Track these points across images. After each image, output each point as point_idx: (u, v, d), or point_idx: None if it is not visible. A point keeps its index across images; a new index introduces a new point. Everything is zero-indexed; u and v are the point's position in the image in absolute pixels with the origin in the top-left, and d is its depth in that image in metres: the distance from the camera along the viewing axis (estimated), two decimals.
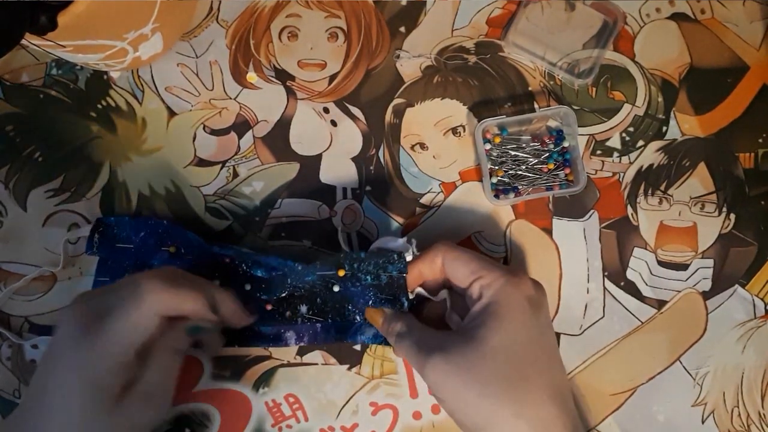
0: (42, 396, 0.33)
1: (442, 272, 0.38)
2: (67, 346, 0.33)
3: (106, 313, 0.33)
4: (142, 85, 0.45)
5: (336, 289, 0.40)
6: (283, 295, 0.40)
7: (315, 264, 0.40)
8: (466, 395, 0.33)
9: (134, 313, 0.33)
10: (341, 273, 0.40)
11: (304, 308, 0.41)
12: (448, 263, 0.37)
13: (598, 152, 0.45)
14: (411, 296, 0.39)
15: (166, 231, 0.41)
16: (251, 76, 0.46)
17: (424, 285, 0.40)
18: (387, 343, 0.40)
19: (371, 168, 0.45)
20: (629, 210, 0.44)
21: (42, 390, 0.33)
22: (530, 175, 0.44)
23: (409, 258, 0.40)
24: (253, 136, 0.45)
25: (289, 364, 0.43)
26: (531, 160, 0.44)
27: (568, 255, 0.44)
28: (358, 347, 0.43)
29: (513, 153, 0.44)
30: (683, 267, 0.43)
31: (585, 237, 0.44)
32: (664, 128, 0.45)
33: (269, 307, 0.40)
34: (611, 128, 0.45)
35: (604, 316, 0.43)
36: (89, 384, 0.32)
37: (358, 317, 0.40)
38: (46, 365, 0.34)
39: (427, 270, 0.39)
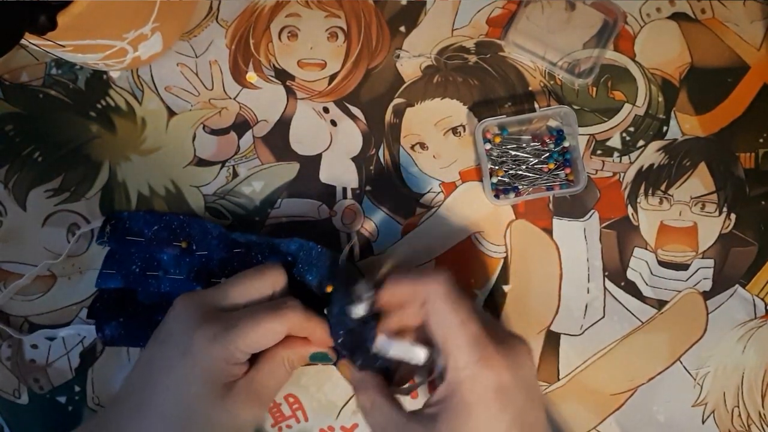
0: (153, 375, 0.33)
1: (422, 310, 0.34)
2: (184, 332, 0.33)
3: (232, 322, 0.33)
4: (141, 84, 0.45)
5: (325, 311, 0.38)
6: None
7: (324, 257, 0.39)
8: None
9: (271, 323, 0.33)
10: (329, 289, 0.38)
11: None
12: (429, 310, 0.33)
13: (599, 152, 0.45)
14: (374, 348, 0.35)
15: (180, 225, 0.41)
16: (251, 76, 0.46)
17: (403, 311, 0.35)
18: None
19: (371, 168, 0.45)
20: (630, 210, 0.44)
21: (155, 369, 0.34)
22: (530, 175, 0.44)
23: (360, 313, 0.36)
24: (253, 135, 0.45)
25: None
26: (531, 160, 0.44)
27: (568, 255, 0.44)
28: None
29: (513, 153, 0.44)
30: (684, 267, 0.43)
31: (585, 237, 0.44)
32: (665, 128, 0.45)
33: None
34: (612, 128, 0.45)
35: (604, 316, 0.43)
36: (203, 369, 0.33)
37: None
38: (158, 347, 0.34)
39: (410, 300, 0.34)
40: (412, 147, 0.45)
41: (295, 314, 0.34)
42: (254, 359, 0.35)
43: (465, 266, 0.43)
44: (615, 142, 0.45)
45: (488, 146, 0.44)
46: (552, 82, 0.45)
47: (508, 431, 0.31)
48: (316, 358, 0.37)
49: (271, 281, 0.36)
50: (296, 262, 0.39)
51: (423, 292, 0.33)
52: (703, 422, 0.42)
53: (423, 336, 0.35)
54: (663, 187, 0.44)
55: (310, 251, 0.40)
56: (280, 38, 0.46)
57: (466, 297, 0.34)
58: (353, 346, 0.35)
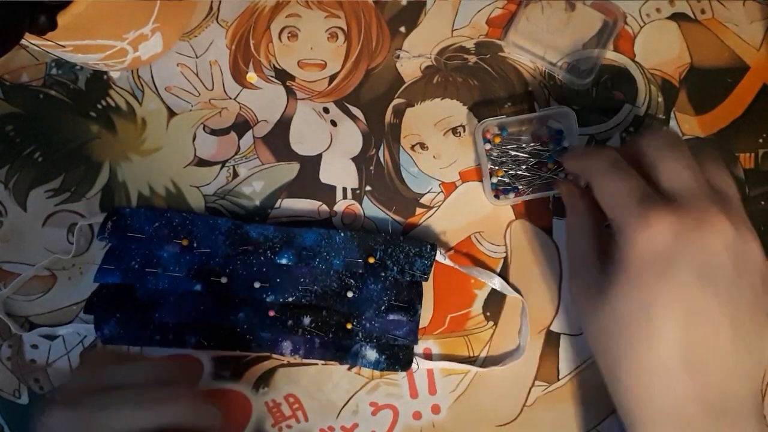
0: None
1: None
2: None
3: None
4: (141, 85, 0.45)
5: (350, 295, 0.40)
6: (290, 300, 0.40)
7: (351, 241, 0.41)
8: (593, 336, 0.33)
9: (155, 409, 0.31)
10: (371, 260, 0.40)
11: (307, 320, 0.41)
12: (595, 186, 0.34)
13: None
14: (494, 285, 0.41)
15: (182, 222, 0.41)
16: (251, 76, 0.46)
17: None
18: (387, 369, 0.41)
19: (371, 168, 0.45)
20: None
21: None
22: (530, 175, 0.44)
23: (439, 258, 0.40)
24: (253, 136, 0.45)
25: (289, 365, 0.43)
26: (531, 160, 0.44)
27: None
28: None
29: (513, 153, 0.44)
30: None
31: None
32: (665, 128, 0.45)
33: (272, 314, 0.40)
34: (611, 128, 0.45)
35: None
36: None
37: (360, 334, 0.40)
38: None
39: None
40: (412, 147, 0.45)
41: (179, 404, 0.31)
42: None
43: (465, 266, 0.43)
44: (615, 142, 0.45)
45: (488, 146, 0.44)
46: (552, 83, 0.45)
47: (663, 306, 0.29)
48: None
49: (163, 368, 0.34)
50: (315, 254, 0.40)
51: (588, 170, 0.35)
52: None
53: None
54: None
55: (332, 239, 0.41)
56: (280, 38, 0.46)
57: (630, 168, 0.33)
58: (399, 304, 0.40)
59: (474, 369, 0.42)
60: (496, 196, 0.43)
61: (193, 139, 0.45)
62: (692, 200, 0.30)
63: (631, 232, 0.30)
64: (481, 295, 0.43)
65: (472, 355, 0.43)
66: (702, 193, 0.31)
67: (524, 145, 0.44)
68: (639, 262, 0.30)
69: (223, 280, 0.40)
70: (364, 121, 0.45)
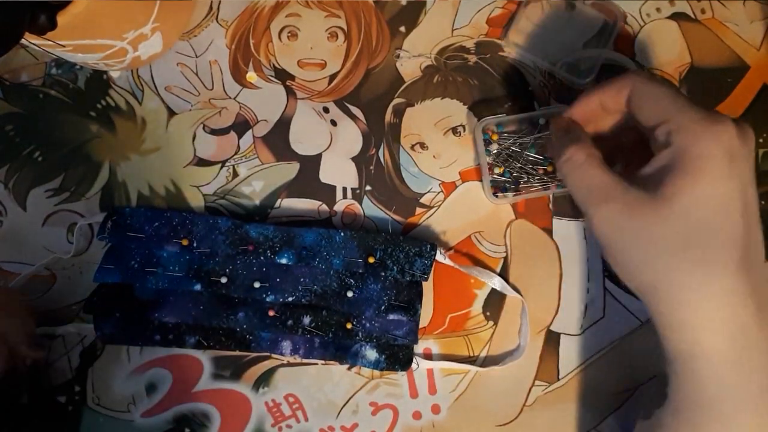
0: None
1: (624, 106, 0.34)
2: None
3: None
4: (141, 84, 0.45)
5: (350, 294, 0.40)
6: (290, 300, 0.40)
7: (350, 241, 0.41)
8: (638, 255, 0.31)
9: None
10: (371, 260, 0.40)
11: (307, 320, 0.41)
12: (636, 97, 0.33)
13: None
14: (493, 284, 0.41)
15: (182, 222, 0.41)
16: (251, 76, 0.46)
17: (597, 122, 0.37)
18: (387, 369, 0.41)
19: (371, 168, 0.45)
20: None
21: None
22: (530, 174, 0.44)
23: (439, 257, 0.40)
24: (253, 135, 0.45)
25: (289, 364, 0.43)
26: (530, 158, 0.44)
27: (568, 255, 0.44)
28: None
29: (512, 151, 0.44)
30: None
31: (585, 237, 0.44)
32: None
33: (271, 313, 0.40)
34: None
35: (604, 316, 0.43)
36: None
37: (360, 334, 0.40)
38: None
39: (610, 101, 0.35)
40: (412, 147, 0.45)
41: None
42: None
43: (465, 266, 0.43)
44: None
45: (488, 145, 0.44)
46: (552, 82, 0.45)
47: (731, 201, 0.30)
48: None
49: None
50: (315, 254, 0.40)
51: (623, 83, 0.34)
52: None
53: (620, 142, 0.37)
54: None
55: (332, 238, 0.41)
56: (280, 38, 0.46)
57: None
58: (399, 304, 0.40)
59: (474, 369, 0.42)
60: (496, 195, 0.43)
61: (193, 139, 0.45)
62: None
63: (701, 129, 0.30)
64: (481, 295, 0.43)
65: (472, 355, 0.43)
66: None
67: (524, 143, 0.44)
68: (710, 159, 0.30)
69: (223, 279, 0.40)
70: (364, 121, 0.45)
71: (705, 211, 0.30)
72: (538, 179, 0.43)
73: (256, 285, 0.40)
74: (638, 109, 0.33)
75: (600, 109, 0.36)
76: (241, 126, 0.45)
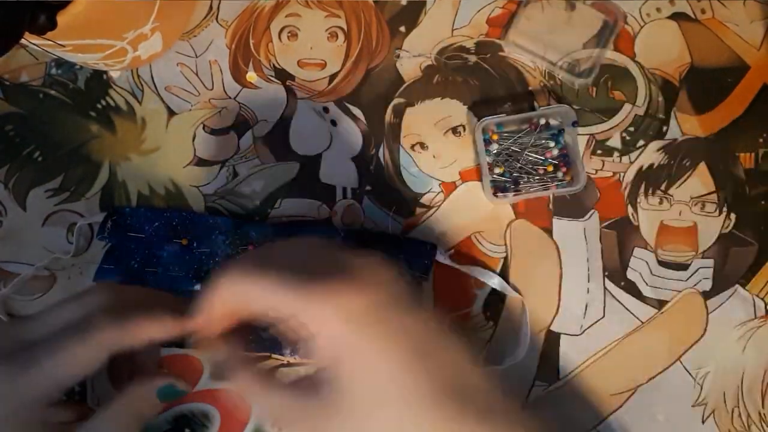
0: None
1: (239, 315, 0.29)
2: None
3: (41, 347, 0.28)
4: (141, 84, 0.45)
5: None
6: None
7: (350, 241, 0.40)
8: None
9: (78, 349, 0.28)
10: None
11: None
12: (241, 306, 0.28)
13: (599, 152, 0.45)
14: None
15: (182, 222, 0.41)
16: (251, 76, 0.46)
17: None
18: None
19: (371, 168, 0.45)
20: (629, 210, 0.44)
21: None
22: (530, 174, 0.44)
23: (439, 257, 0.40)
24: (253, 135, 0.45)
25: (289, 364, 0.43)
26: (530, 158, 0.44)
27: (568, 255, 0.44)
28: None
29: (513, 152, 0.44)
30: (683, 267, 0.43)
31: (585, 237, 0.44)
32: (665, 128, 0.45)
33: None
34: (611, 128, 0.45)
35: (604, 316, 0.43)
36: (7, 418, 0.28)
37: None
38: None
39: (217, 324, 0.30)
40: (412, 147, 0.45)
41: (102, 332, 0.28)
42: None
43: (465, 266, 0.43)
44: (615, 142, 0.45)
45: (488, 145, 0.44)
46: (552, 82, 0.45)
47: (381, 354, 0.26)
48: (167, 396, 0.31)
49: (89, 302, 0.30)
50: None
51: (214, 299, 0.29)
52: (703, 422, 0.42)
53: None
54: (663, 187, 0.44)
55: (332, 239, 0.41)
56: (280, 38, 0.46)
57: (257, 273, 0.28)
58: None
59: None
60: (496, 195, 0.43)
61: (193, 139, 0.45)
62: None
63: (312, 311, 0.27)
64: (481, 295, 0.43)
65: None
66: None
67: (524, 143, 0.44)
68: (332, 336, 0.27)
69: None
70: (364, 121, 0.45)
71: (363, 388, 0.26)
72: (538, 179, 0.43)
73: None
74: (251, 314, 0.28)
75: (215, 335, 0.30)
76: (241, 126, 0.45)
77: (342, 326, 0.26)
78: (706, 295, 0.43)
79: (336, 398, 0.26)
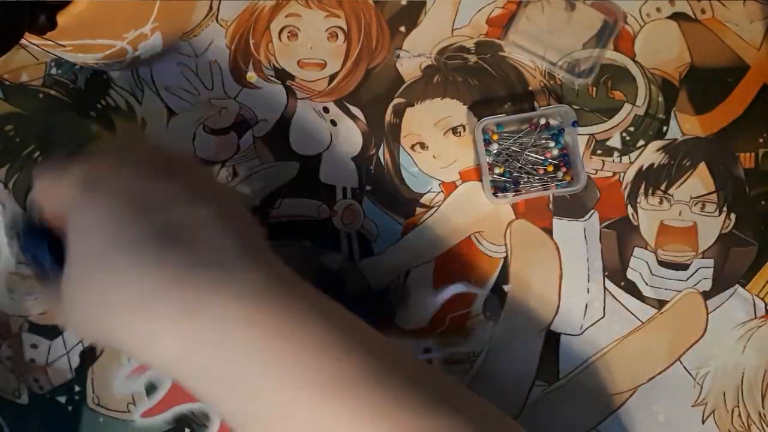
0: None
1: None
2: None
3: None
4: (141, 84, 0.45)
5: None
6: None
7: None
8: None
9: None
10: None
11: None
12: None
13: (599, 152, 0.45)
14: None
15: None
16: (251, 76, 0.46)
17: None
18: None
19: (371, 168, 0.45)
20: (629, 210, 0.44)
21: None
22: (530, 173, 0.44)
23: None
24: (253, 135, 0.45)
25: None
26: (530, 158, 0.44)
27: (568, 255, 0.44)
28: None
29: (513, 152, 0.44)
30: (683, 267, 0.43)
31: (585, 237, 0.44)
32: (665, 128, 0.45)
33: None
34: (611, 128, 0.45)
35: (604, 316, 0.43)
36: None
37: None
38: None
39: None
40: (412, 147, 0.45)
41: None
42: None
43: (465, 266, 0.43)
44: (615, 142, 0.45)
45: (488, 145, 0.44)
46: (552, 82, 0.45)
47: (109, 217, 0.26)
48: None
49: None
50: None
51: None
52: (703, 422, 0.42)
53: None
54: (663, 187, 0.44)
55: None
56: (280, 38, 0.46)
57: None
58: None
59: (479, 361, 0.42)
60: (496, 195, 0.43)
61: (193, 139, 0.45)
62: None
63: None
64: (481, 295, 0.43)
65: (473, 354, 0.43)
66: None
67: (524, 143, 0.44)
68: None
69: None
70: (364, 121, 0.45)
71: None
72: (538, 179, 0.43)
73: None
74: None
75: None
76: (241, 126, 0.45)
77: (73, 191, 0.27)
78: (706, 295, 0.43)
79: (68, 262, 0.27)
